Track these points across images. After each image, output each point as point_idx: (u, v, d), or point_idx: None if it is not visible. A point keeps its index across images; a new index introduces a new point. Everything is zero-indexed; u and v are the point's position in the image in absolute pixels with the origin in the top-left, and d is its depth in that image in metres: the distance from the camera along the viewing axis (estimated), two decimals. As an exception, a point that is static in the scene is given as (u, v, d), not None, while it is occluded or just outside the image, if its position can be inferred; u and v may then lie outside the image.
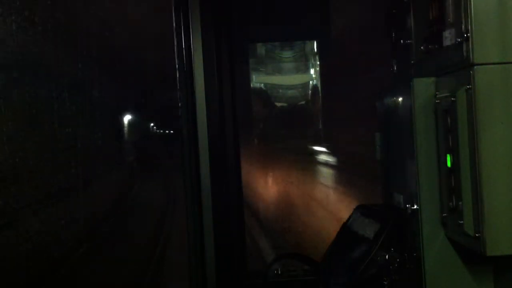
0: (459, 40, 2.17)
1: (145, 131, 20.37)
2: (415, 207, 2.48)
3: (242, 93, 4.68)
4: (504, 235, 2.08)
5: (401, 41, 2.90)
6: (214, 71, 3.72)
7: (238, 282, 3.87)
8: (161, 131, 20.60)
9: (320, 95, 7.70)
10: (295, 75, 7.36)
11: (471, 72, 2.10)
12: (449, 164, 2.28)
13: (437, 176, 2.41)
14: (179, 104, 3.69)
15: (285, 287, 3.90)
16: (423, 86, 2.44)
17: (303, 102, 7.92)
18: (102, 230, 10.11)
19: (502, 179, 2.08)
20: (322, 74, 7.37)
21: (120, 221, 11.46)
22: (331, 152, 9.05)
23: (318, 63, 7.21)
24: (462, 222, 2.17)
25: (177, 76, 3.68)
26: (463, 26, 2.14)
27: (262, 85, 7.33)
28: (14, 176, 6.02)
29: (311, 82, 7.62)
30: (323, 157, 9.24)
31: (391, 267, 2.73)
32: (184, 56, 3.63)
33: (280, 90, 7.66)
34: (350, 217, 3.20)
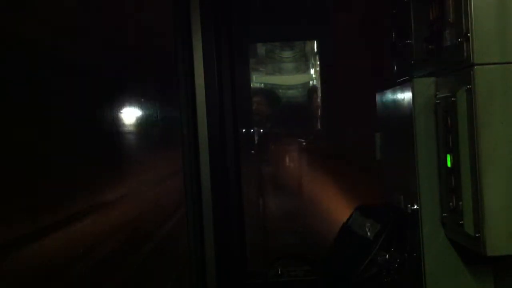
0: (459, 40, 2.17)
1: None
2: (415, 207, 2.48)
3: (242, 93, 4.69)
4: (504, 235, 2.08)
5: (401, 41, 2.90)
6: (214, 71, 3.72)
7: (238, 282, 3.87)
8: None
9: (320, 95, 7.71)
10: (295, 75, 7.36)
11: (471, 72, 2.09)
12: (449, 164, 2.28)
13: (437, 176, 2.41)
14: (179, 104, 3.69)
15: (286, 287, 3.90)
16: (423, 86, 2.44)
17: (303, 102, 7.93)
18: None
19: (502, 179, 2.08)
20: (322, 74, 7.37)
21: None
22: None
23: (318, 63, 7.21)
24: (462, 222, 2.16)
25: (177, 76, 3.68)
26: (463, 26, 2.14)
27: (262, 85, 7.33)
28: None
29: (311, 82, 7.63)
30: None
31: (391, 267, 2.73)
32: (184, 56, 3.64)
33: (280, 90, 7.67)
34: (350, 217, 3.20)
